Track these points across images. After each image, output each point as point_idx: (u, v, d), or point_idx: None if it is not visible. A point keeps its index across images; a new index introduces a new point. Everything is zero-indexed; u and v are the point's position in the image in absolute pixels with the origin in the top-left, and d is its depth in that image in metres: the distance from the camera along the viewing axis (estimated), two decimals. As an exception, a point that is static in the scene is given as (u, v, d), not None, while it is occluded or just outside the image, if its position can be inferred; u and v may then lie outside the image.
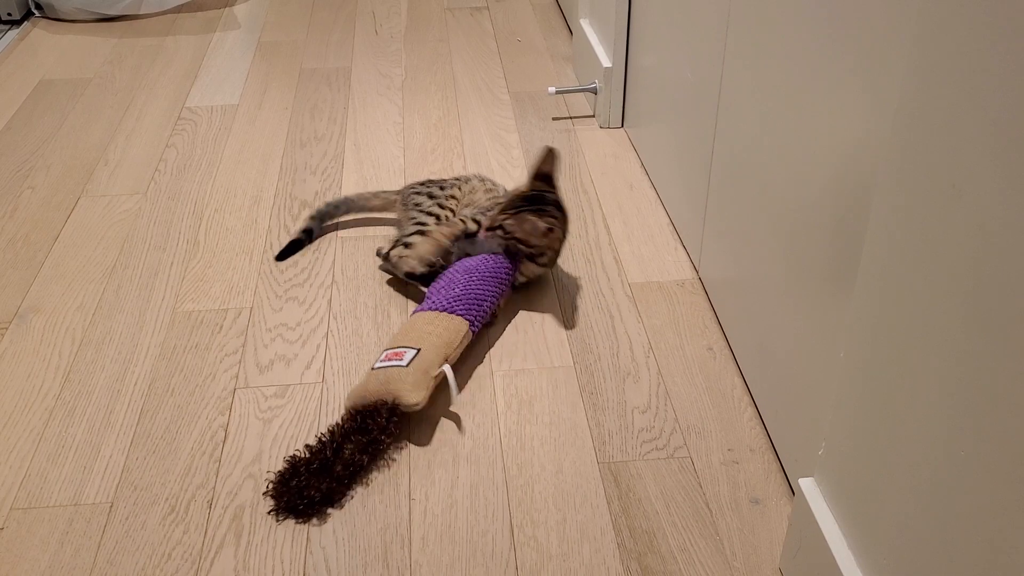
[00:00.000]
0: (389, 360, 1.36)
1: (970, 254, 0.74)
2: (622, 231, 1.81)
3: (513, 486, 1.28)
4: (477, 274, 1.51)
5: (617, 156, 2.07)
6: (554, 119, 2.23)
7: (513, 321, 1.57)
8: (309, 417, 1.39)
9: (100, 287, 1.67)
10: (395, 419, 1.31)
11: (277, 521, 1.23)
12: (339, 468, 1.26)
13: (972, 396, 0.75)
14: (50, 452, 1.34)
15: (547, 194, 1.56)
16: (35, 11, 2.89)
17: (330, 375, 1.47)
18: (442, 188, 1.73)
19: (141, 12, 2.88)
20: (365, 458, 1.28)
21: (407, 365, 1.34)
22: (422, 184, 1.77)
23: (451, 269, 1.54)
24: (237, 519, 1.23)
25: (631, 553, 1.18)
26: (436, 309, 1.44)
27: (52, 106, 2.33)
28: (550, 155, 1.58)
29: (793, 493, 1.25)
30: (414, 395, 1.32)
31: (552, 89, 2.21)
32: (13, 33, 2.77)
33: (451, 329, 1.42)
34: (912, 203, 0.81)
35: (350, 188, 1.96)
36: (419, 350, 1.36)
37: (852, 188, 1.02)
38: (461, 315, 1.44)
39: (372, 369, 1.37)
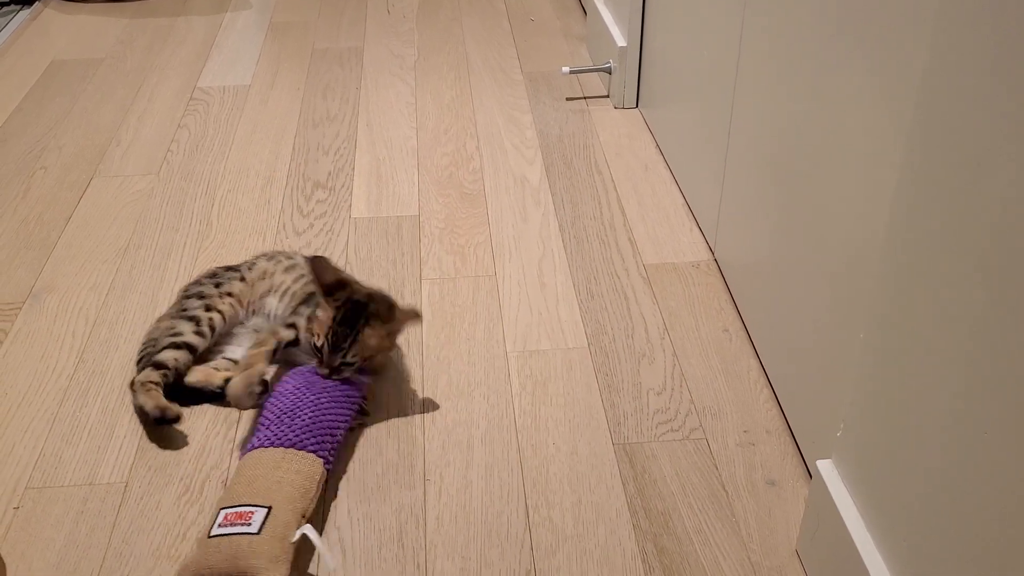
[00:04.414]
0: (232, 523, 1.07)
1: (993, 234, 0.72)
2: (637, 212, 1.79)
3: (528, 467, 1.27)
4: (327, 395, 1.24)
5: (632, 136, 2.05)
6: (568, 99, 2.21)
7: (528, 302, 1.56)
8: (323, 398, 1.39)
9: (113, 267, 1.67)
10: None
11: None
12: None
13: (993, 376, 0.74)
14: (64, 432, 1.34)
15: (354, 299, 1.30)
16: (46, -9, 2.88)
17: (344, 356, 1.46)
18: (218, 285, 1.44)
19: (152, -8, 2.87)
20: None
21: (259, 532, 1.06)
22: (201, 280, 1.48)
23: (287, 384, 1.26)
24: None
25: (647, 534, 1.18)
26: (281, 445, 1.17)
27: (64, 87, 2.32)
28: (319, 264, 1.32)
29: (810, 475, 1.24)
30: (274, 571, 1.05)
31: (566, 69, 2.19)
32: (25, 13, 2.77)
33: (304, 473, 1.15)
34: (936, 182, 0.80)
35: (363, 168, 1.95)
36: (270, 508, 1.09)
37: (872, 167, 1.00)
38: (313, 451, 1.17)
39: (209, 536, 1.08)
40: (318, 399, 1.23)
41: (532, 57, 2.44)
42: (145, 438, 1.33)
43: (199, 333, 1.36)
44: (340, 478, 1.26)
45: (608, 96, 2.22)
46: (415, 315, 1.31)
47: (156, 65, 2.43)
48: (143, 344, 1.42)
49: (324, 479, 1.19)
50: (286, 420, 1.20)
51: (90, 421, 1.36)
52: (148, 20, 2.71)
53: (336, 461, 1.25)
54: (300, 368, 1.30)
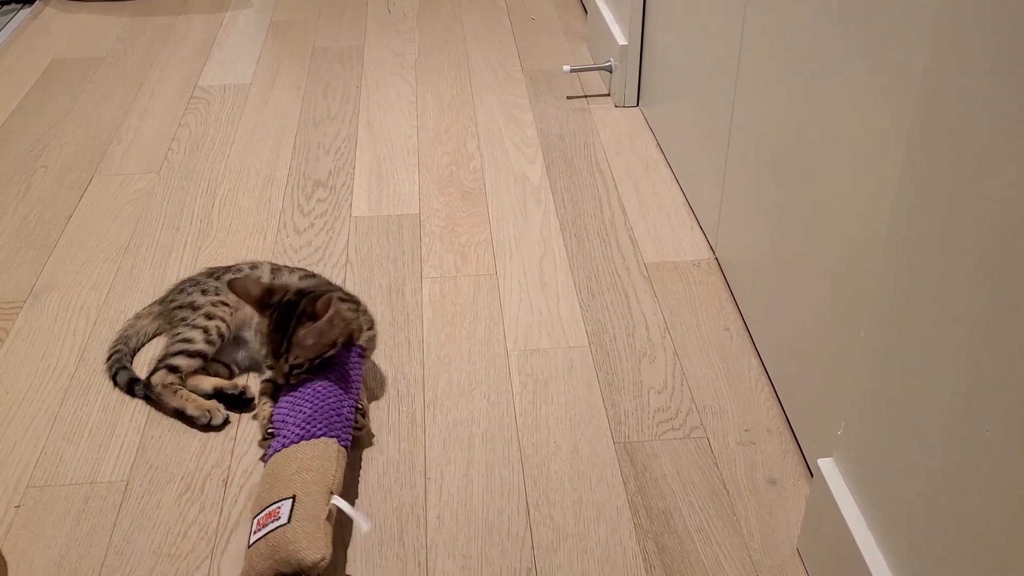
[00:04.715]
0: (264, 525, 1.09)
1: (994, 233, 0.72)
2: (637, 211, 1.79)
3: (529, 466, 1.27)
4: (321, 383, 1.25)
5: (632, 135, 2.05)
6: (568, 98, 2.21)
7: (528, 301, 1.57)
8: (324, 396, 1.39)
9: (114, 266, 1.67)
10: None
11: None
12: None
13: (993, 376, 0.74)
14: (65, 431, 1.34)
15: (283, 303, 1.27)
16: (47, -10, 2.88)
17: (345, 354, 1.46)
18: (204, 292, 1.43)
19: (153, -9, 2.87)
20: None
21: (289, 521, 1.08)
22: (187, 290, 1.46)
23: (283, 395, 1.27)
24: (252, 498, 1.23)
25: (647, 533, 1.18)
26: (291, 443, 1.18)
27: (64, 86, 2.32)
28: (239, 286, 1.29)
29: (811, 474, 1.24)
30: (314, 550, 1.05)
31: (567, 68, 2.19)
32: (25, 12, 2.77)
33: (320, 456, 1.16)
34: (936, 181, 0.80)
35: (364, 166, 1.95)
36: (294, 497, 1.10)
37: (872, 166, 1.00)
38: (323, 435, 1.18)
39: (248, 547, 1.10)
40: (314, 391, 1.23)
41: (533, 56, 2.44)
42: (146, 436, 1.33)
43: (209, 341, 1.37)
44: (341, 477, 1.26)
45: (609, 95, 2.22)
46: (329, 301, 1.24)
47: (157, 64, 2.43)
48: (115, 341, 1.44)
49: (345, 456, 1.18)
50: (289, 421, 1.20)
51: (91, 420, 1.36)
52: (148, 19, 2.71)
53: (361, 430, 1.28)
54: None
